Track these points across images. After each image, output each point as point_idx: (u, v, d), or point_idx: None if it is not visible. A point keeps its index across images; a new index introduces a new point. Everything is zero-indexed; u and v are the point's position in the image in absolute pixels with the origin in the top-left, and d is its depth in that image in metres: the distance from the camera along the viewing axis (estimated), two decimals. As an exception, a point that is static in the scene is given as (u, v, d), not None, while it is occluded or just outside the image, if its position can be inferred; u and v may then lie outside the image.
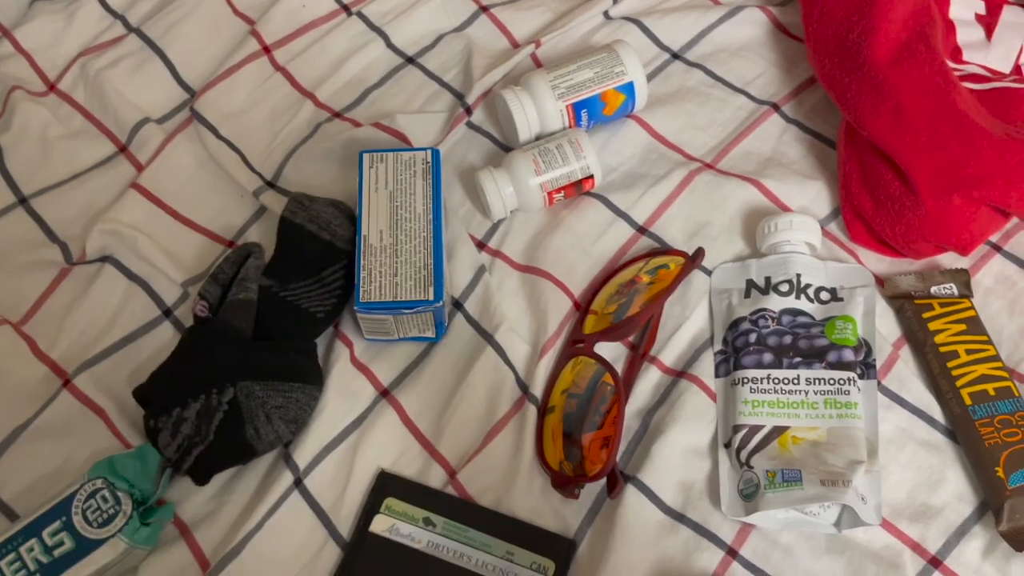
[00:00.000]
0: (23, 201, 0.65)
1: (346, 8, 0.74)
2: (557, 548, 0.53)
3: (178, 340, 0.57)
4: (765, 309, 0.58)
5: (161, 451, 0.53)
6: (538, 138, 0.65)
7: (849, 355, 0.55)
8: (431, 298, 0.55)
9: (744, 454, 0.53)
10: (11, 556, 0.51)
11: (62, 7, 0.74)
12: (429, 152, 0.61)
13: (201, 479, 0.54)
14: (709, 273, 0.61)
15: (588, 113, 0.65)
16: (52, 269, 0.62)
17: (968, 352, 0.56)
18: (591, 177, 0.63)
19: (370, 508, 0.54)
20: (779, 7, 0.74)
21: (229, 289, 0.58)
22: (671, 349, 0.59)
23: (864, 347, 0.57)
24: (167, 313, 0.61)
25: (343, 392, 0.58)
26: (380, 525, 0.53)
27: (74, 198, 0.65)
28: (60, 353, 0.59)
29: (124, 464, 0.53)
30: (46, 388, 0.58)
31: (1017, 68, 0.67)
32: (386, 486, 0.55)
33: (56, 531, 0.52)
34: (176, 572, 0.53)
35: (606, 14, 0.73)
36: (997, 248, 0.62)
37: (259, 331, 0.56)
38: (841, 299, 0.58)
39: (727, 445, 0.54)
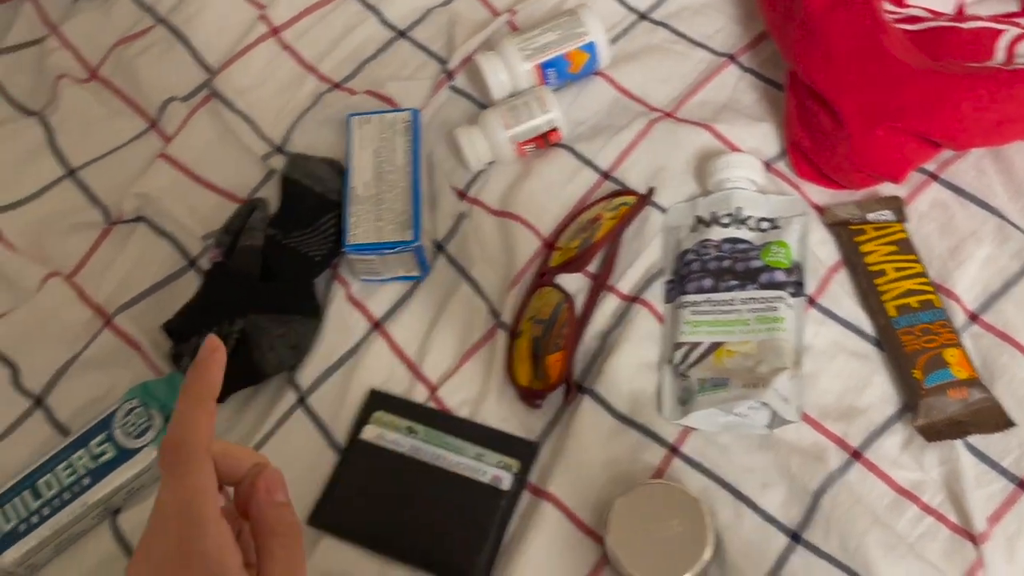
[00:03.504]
0: (71, 173, 0.76)
1: (344, -11, 0.82)
2: (522, 449, 0.60)
3: (200, 284, 0.67)
4: (708, 239, 0.64)
5: (184, 373, 0.63)
6: (511, 96, 0.73)
7: (781, 276, 0.61)
8: (410, 239, 0.64)
9: (683, 367, 0.60)
10: (64, 464, 0.62)
11: (100, 3, 0.84)
12: (409, 112, 0.69)
13: (219, 398, 0.63)
14: (664, 211, 0.68)
15: (556, 72, 0.72)
16: (95, 229, 0.73)
17: (896, 270, 0.62)
18: (556, 129, 0.70)
19: (362, 420, 0.62)
20: (738, -34, 0.79)
21: (239, 238, 0.67)
22: (627, 279, 0.65)
23: (796, 270, 0.62)
24: (191, 263, 0.71)
25: (340, 325, 0.66)
26: (370, 433, 0.62)
27: (113, 168, 0.75)
28: (103, 298, 0.69)
29: (156, 387, 0.63)
30: (92, 327, 0.68)
31: (959, 10, 0.71)
32: (376, 401, 0.63)
33: (101, 442, 0.62)
34: (200, 475, 0.63)
35: (578, -18, 0.80)
36: (934, 176, 0.67)
37: (265, 273, 0.65)
38: (779, 227, 0.64)
39: (670, 361, 0.61)
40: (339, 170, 0.69)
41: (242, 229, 0.67)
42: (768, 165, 0.69)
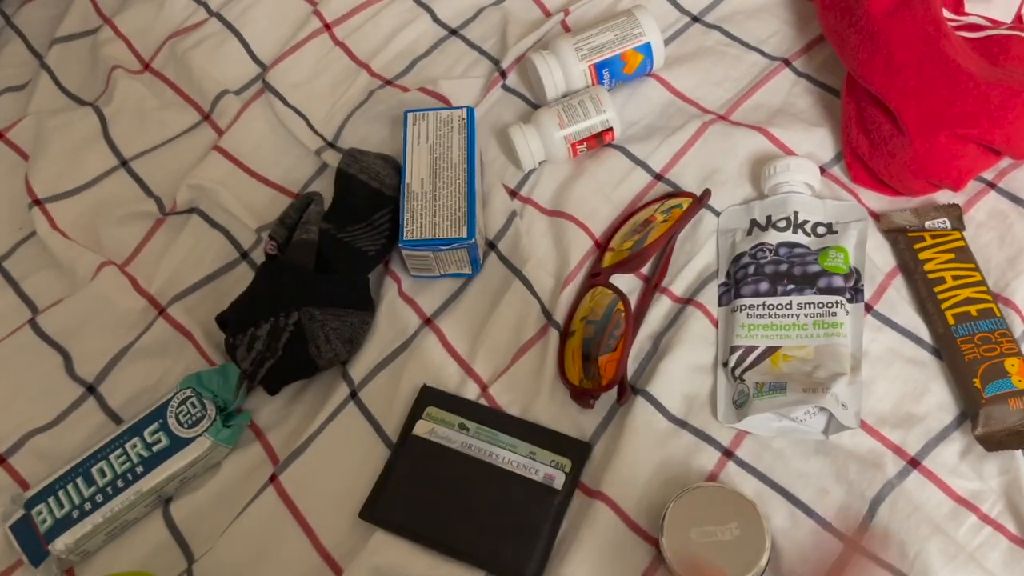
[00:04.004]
0: (124, 163, 0.77)
1: (397, -13, 0.83)
2: (574, 449, 0.60)
3: (253, 276, 0.67)
4: (764, 243, 0.64)
5: (238, 364, 0.63)
6: (564, 96, 0.73)
7: (839, 281, 0.61)
8: (464, 236, 0.64)
9: (739, 371, 0.60)
10: (118, 451, 0.62)
11: (154, -3, 0.85)
12: (465, 110, 0.69)
13: (273, 389, 0.64)
14: (718, 214, 0.67)
15: (610, 72, 0.72)
16: (149, 220, 0.73)
17: (955, 278, 0.61)
18: (610, 130, 0.70)
19: (414, 415, 0.63)
20: (794, -30, 0.79)
21: (294, 231, 0.67)
22: (681, 281, 0.65)
23: (855, 274, 0.62)
24: (244, 255, 0.71)
25: (392, 320, 0.66)
26: (422, 428, 0.62)
27: (166, 160, 0.76)
28: (157, 288, 0.70)
29: (209, 378, 0.64)
30: (146, 317, 0.69)
31: (1018, 18, 0.71)
32: (428, 397, 0.63)
33: (155, 431, 0.62)
34: (252, 466, 0.63)
35: (632, -17, 0.80)
36: (991, 185, 0.66)
37: (320, 267, 0.65)
38: (836, 232, 0.64)
39: (725, 364, 0.61)
40: (394, 166, 0.69)
41: (297, 222, 0.67)
42: (823, 170, 0.68)
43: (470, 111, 0.69)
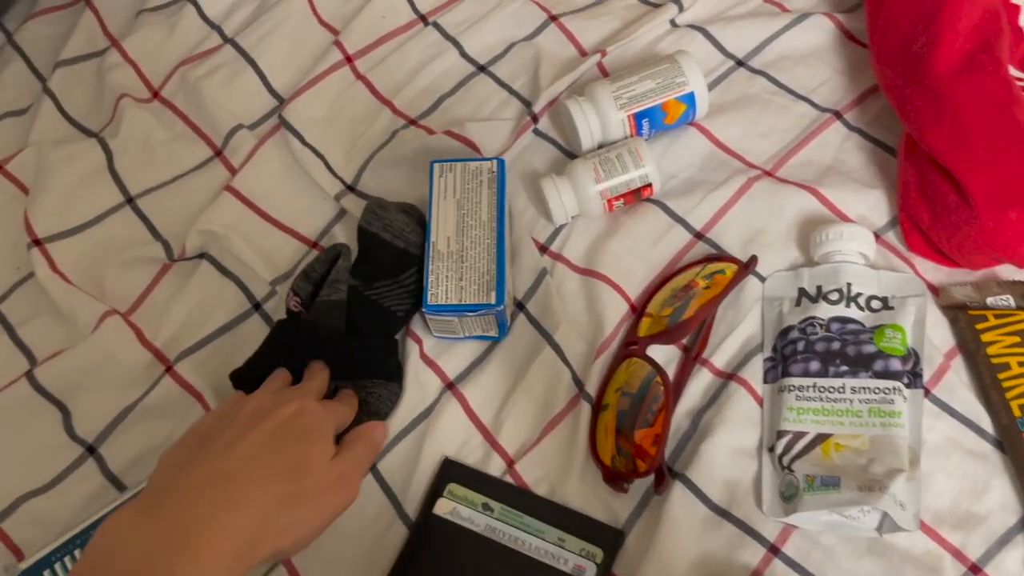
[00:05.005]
0: (130, 200, 0.72)
1: (423, 18, 0.78)
2: (606, 537, 0.56)
3: (267, 331, 0.63)
4: (814, 317, 0.59)
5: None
6: (601, 146, 0.68)
7: (896, 364, 0.57)
8: (493, 302, 0.59)
9: (787, 459, 0.56)
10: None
11: (165, 18, 0.80)
12: (495, 162, 0.64)
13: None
14: (763, 280, 0.63)
15: (649, 123, 0.68)
16: (155, 265, 0.69)
17: (1021, 364, 0.57)
18: (649, 185, 0.66)
19: (434, 491, 0.59)
20: (846, 14, 0.74)
21: (319, 286, 0.63)
22: (722, 352, 0.61)
23: (913, 356, 0.58)
24: (256, 306, 0.67)
25: (414, 384, 0.62)
26: (443, 508, 0.58)
27: (175, 199, 0.72)
28: (163, 341, 0.65)
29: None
30: (151, 373, 0.64)
31: (1090, 76, 0.66)
32: (449, 472, 0.59)
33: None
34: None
35: (672, 22, 0.75)
36: (1058, 260, 0.62)
37: (348, 326, 0.61)
38: (892, 308, 0.60)
39: (771, 449, 0.57)
40: (419, 220, 0.64)
41: (323, 276, 0.63)
42: (876, 235, 0.64)
43: (500, 163, 0.64)
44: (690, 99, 0.67)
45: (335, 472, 0.52)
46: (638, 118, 0.67)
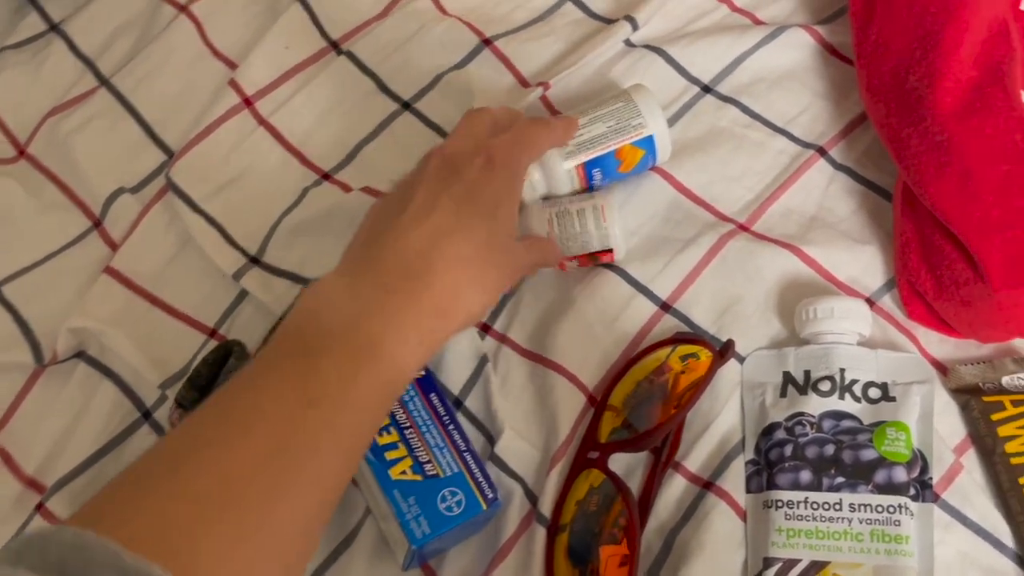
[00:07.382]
0: (-6, 288, 0.61)
1: (335, 45, 0.66)
2: None
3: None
4: (803, 413, 0.50)
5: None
6: (560, 196, 0.58)
7: (901, 474, 0.48)
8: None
9: (778, 592, 0.47)
10: None
11: (30, 56, 0.68)
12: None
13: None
14: (741, 361, 0.54)
15: (602, 172, 0.57)
16: (22, 372, 0.58)
17: (1045, 463, 0.48)
18: (610, 251, 0.56)
19: (364, 646, 0.49)
20: (826, 25, 0.64)
21: (207, 392, 0.52)
22: (697, 453, 0.52)
23: (920, 461, 0.49)
24: (146, 416, 0.56)
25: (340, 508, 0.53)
26: (374, 667, 0.49)
27: (46, 284, 0.60)
28: (35, 467, 0.55)
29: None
30: (21, 509, 0.54)
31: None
32: (381, 619, 0.50)
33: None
34: None
35: (627, 42, 0.64)
36: (1082, 327, 0.53)
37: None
38: (893, 398, 0.51)
39: (759, 578, 0.48)
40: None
41: (211, 381, 0.53)
42: (871, 302, 0.55)
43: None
44: (649, 143, 0.57)
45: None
46: (588, 168, 0.57)
